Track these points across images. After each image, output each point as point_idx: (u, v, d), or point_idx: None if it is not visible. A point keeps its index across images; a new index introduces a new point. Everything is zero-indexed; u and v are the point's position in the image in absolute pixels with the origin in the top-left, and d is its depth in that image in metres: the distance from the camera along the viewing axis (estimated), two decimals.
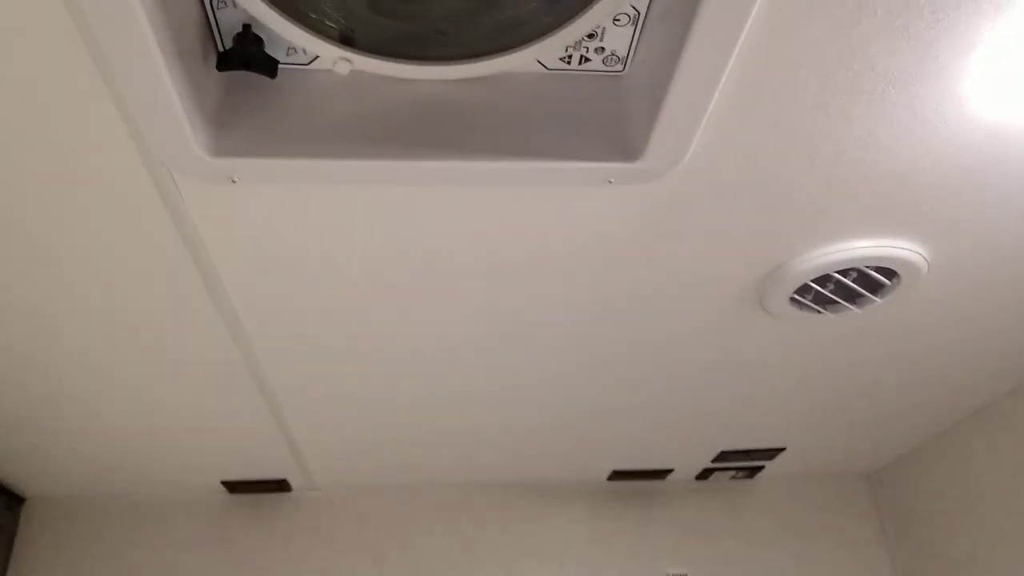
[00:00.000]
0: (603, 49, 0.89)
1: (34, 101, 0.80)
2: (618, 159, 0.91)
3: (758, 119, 0.87)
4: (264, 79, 0.88)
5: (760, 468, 2.09)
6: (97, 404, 1.48)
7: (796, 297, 1.19)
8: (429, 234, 1.04)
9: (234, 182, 0.89)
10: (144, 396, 1.46)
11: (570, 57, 0.90)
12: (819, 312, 1.23)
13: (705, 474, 2.11)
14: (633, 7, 0.83)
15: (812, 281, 1.15)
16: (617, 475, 2.10)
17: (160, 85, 0.77)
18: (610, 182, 0.93)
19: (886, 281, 1.16)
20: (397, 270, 1.12)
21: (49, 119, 0.83)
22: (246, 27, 0.83)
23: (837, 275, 1.14)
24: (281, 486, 2.02)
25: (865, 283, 1.16)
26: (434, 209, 1.00)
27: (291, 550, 2.03)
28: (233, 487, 2.01)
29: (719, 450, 1.93)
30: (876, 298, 1.19)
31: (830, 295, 1.19)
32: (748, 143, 0.91)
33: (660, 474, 2.10)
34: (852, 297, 1.20)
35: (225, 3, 0.80)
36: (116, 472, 1.85)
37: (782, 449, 1.94)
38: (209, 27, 0.83)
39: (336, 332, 1.28)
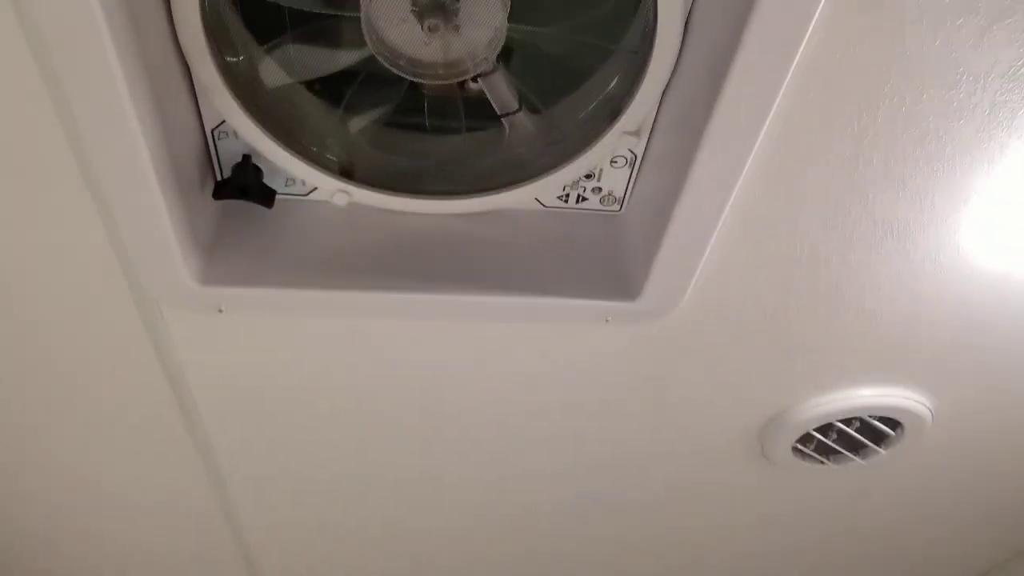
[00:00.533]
0: (600, 189, 0.89)
1: (24, 225, 0.79)
2: (616, 298, 0.89)
3: (757, 264, 0.86)
4: (260, 207, 0.87)
5: None
6: (60, 541, 1.40)
7: (798, 446, 1.15)
8: (420, 368, 1.01)
9: (221, 312, 0.87)
10: (108, 519, 1.38)
11: (567, 196, 0.90)
12: (822, 463, 1.18)
13: None
14: (630, 151, 0.84)
15: (814, 430, 1.12)
16: None
17: (155, 215, 0.75)
18: (607, 321, 0.91)
19: (890, 431, 1.12)
20: (384, 405, 1.08)
21: (37, 241, 0.81)
22: (246, 157, 0.83)
23: (840, 424, 1.11)
24: None
25: (869, 433, 1.13)
26: (426, 343, 0.97)
27: None
28: None
29: None
30: (880, 448, 1.15)
31: (833, 445, 1.14)
32: (748, 287, 0.89)
33: None
34: (856, 447, 1.16)
35: (226, 134, 0.81)
36: None
37: None
38: (208, 156, 0.83)
39: (319, 467, 1.23)
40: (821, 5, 0.58)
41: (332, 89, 0.85)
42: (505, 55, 0.77)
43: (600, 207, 0.91)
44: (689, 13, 0.70)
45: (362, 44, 0.73)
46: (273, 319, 0.92)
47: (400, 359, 0.99)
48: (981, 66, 0.63)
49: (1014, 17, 0.59)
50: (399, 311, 0.89)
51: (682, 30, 0.71)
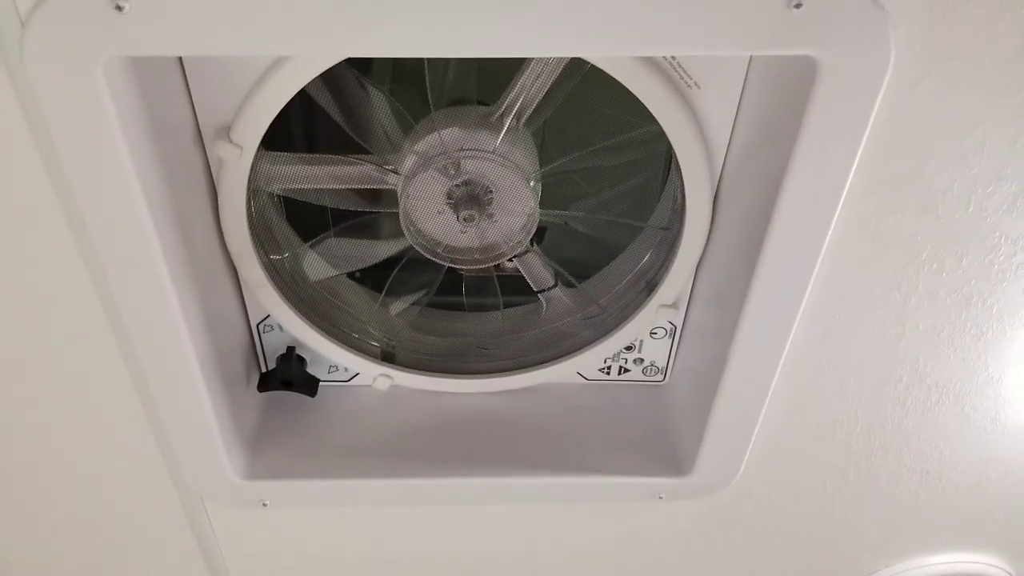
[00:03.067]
0: (642, 360, 0.87)
1: (73, 423, 0.79)
2: (668, 473, 0.84)
3: (810, 433, 0.82)
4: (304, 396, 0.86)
5: None
6: None
7: None
8: (465, 552, 0.96)
9: (265, 505, 0.84)
10: None
11: (609, 368, 0.88)
12: None
13: None
14: (670, 322, 0.82)
15: None
16: None
17: (200, 412, 0.74)
18: (661, 497, 0.86)
19: None
20: None
21: (88, 442, 0.81)
22: (290, 349, 0.83)
23: None
24: None
25: None
26: (471, 526, 0.92)
27: None
28: None
29: None
30: None
31: None
32: (802, 456, 0.84)
33: None
34: None
35: (271, 327, 0.81)
36: None
37: None
38: (254, 349, 0.83)
39: None
40: (849, 182, 0.58)
41: (373, 276, 0.86)
42: (538, 233, 0.78)
43: (643, 378, 0.89)
44: (717, 189, 0.70)
45: (401, 235, 0.74)
46: (316, 509, 0.89)
47: (447, 546, 0.94)
48: (1018, 228, 0.61)
49: None
50: (444, 497, 0.85)
51: (711, 205, 0.71)
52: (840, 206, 0.59)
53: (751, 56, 0.60)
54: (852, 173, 0.57)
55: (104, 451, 0.81)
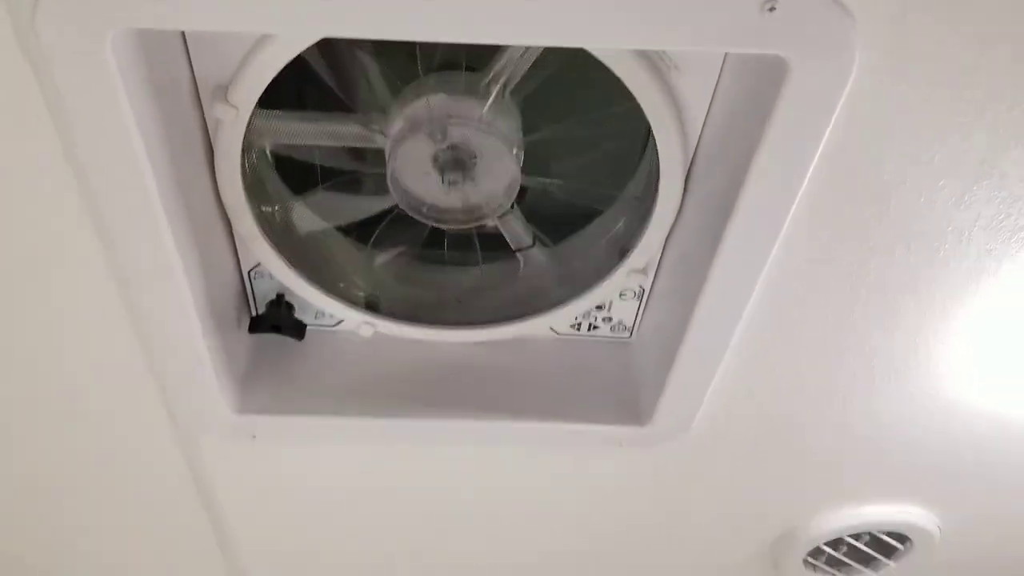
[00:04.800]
0: (611, 319, 0.90)
1: (72, 358, 0.81)
2: (628, 423, 0.89)
3: (764, 392, 0.86)
4: (292, 340, 0.89)
5: None
6: None
7: (809, 560, 1.12)
8: (445, 486, 1.01)
9: (255, 438, 0.88)
10: None
11: (580, 324, 0.91)
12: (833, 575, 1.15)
13: None
14: (639, 286, 0.85)
15: (825, 544, 1.09)
16: None
17: (195, 350, 0.77)
18: (620, 445, 0.91)
19: (899, 546, 1.09)
20: (410, 519, 1.07)
21: (86, 378, 0.83)
22: (279, 295, 0.85)
23: (849, 539, 1.08)
24: None
25: (878, 547, 1.10)
26: (450, 464, 0.97)
27: None
28: None
29: None
30: (889, 562, 1.12)
31: (843, 558, 1.12)
32: (756, 412, 0.89)
33: None
34: (866, 560, 1.13)
35: (261, 274, 0.83)
36: None
37: None
38: (245, 294, 0.85)
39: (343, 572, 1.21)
40: (813, 166, 0.60)
41: (359, 229, 0.88)
42: (519, 195, 0.80)
43: (611, 335, 0.92)
44: (690, 165, 0.72)
45: (387, 192, 0.76)
46: (301, 443, 0.92)
47: (420, 483, 0.99)
48: (965, 220, 0.64)
49: (991, 179, 0.61)
50: (420, 437, 0.90)
51: (683, 181, 0.73)
52: (800, 193, 0.62)
53: None
54: (814, 163, 0.59)
55: (103, 387, 0.84)
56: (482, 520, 1.07)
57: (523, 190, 0.80)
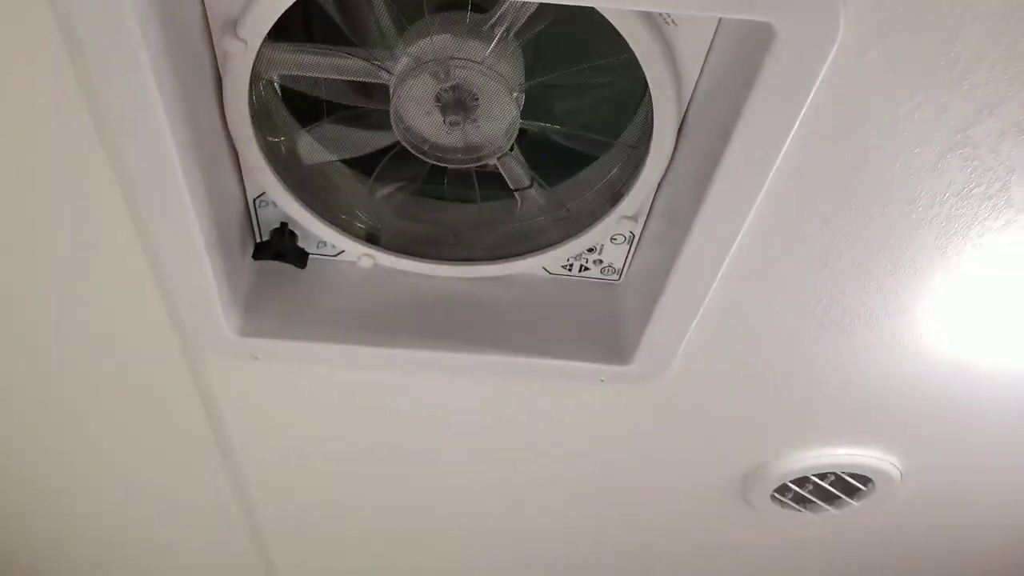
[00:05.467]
0: (601, 261, 0.94)
1: (85, 279, 0.85)
2: (610, 361, 0.93)
3: (740, 337, 0.90)
4: (294, 267, 0.93)
5: None
6: (105, 538, 1.46)
7: (776, 495, 1.19)
8: (434, 414, 1.06)
9: (257, 359, 0.92)
10: (144, 531, 1.44)
11: (571, 265, 0.95)
12: (798, 511, 1.21)
13: None
14: (630, 231, 0.89)
15: (791, 482, 1.15)
16: None
17: (200, 273, 0.81)
18: (602, 381, 0.96)
19: (861, 487, 1.15)
20: (403, 443, 1.13)
21: (96, 295, 0.87)
22: (283, 224, 0.88)
23: (815, 478, 1.14)
24: None
25: (842, 487, 1.16)
26: (440, 393, 1.02)
27: None
28: None
29: None
30: (852, 501, 1.18)
31: (808, 496, 1.18)
32: (731, 356, 0.93)
33: None
34: (830, 498, 1.19)
35: (266, 203, 0.86)
36: None
37: None
38: (250, 222, 0.88)
39: (338, 488, 1.28)
40: (796, 127, 0.63)
41: (362, 162, 0.90)
42: (519, 136, 0.82)
43: (600, 276, 0.96)
44: (683, 119, 0.75)
45: (391, 128, 0.79)
46: (300, 366, 0.97)
47: (412, 409, 1.04)
48: (938, 185, 0.67)
49: (965, 148, 0.63)
50: (412, 366, 0.94)
51: (676, 133, 0.75)
52: (782, 152, 0.64)
53: None
54: (797, 124, 0.62)
55: (112, 311, 0.88)
56: (468, 448, 1.12)
57: (522, 132, 0.83)
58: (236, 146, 0.78)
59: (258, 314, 0.90)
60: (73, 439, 1.13)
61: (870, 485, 1.15)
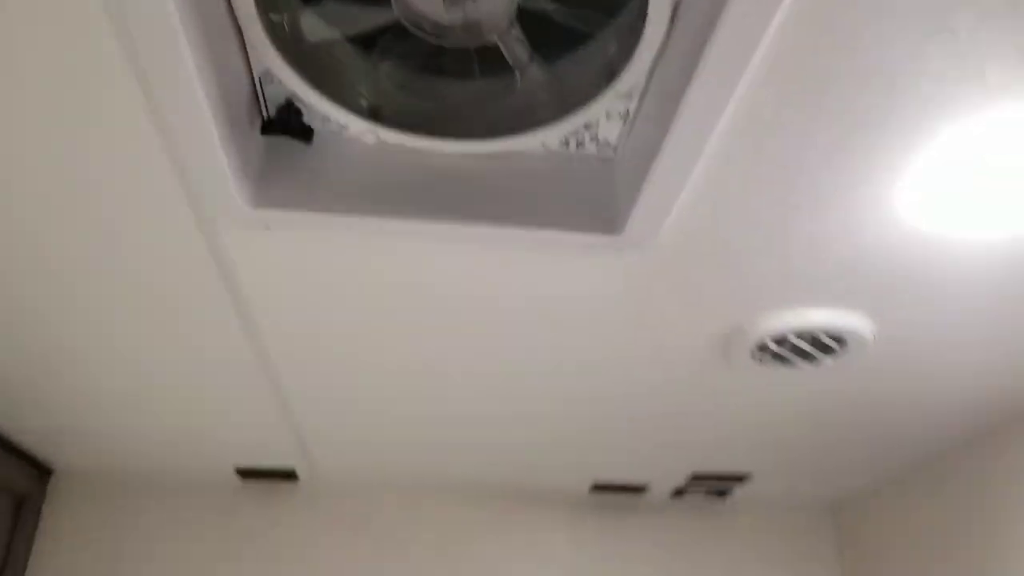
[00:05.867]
0: (597, 137, 0.97)
1: (100, 158, 0.88)
2: (603, 232, 0.99)
3: (727, 207, 0.94)
4: (300, 144, 0.96)
5: (729, 492, 2.16)
6: (128, 391, 1.56)
7: (756, 353, 1.27)
8: (437, 282, 1.12)
9: (268, 229, 0.98)
10: (170, 390, 1.54)
11: (568, 141, 0.98)
12: (775, 367, 1.30)
13: (679, 493, 2.19)
14: (625, 108, 0.91)
15: (771, 341, 1.23)
16: (598, 488, 2.18)
17: (211, 146, 0.84)
18: (594, 250, 1.01)
19: (836, 346, 1.23)
20: (407, 308, 1.20)
21: (113, 171, 0.91)
22: (289, 101, 0.91)
23: (793, 338, 1.22)
24: (289, 476, 2.11)
25: (818, 346, 1.24)
26: (442, 262, 1.07)
27: (295, 537, 2.10)
28: (245, 474, 2.09)
29: (692, 472, 2.00)
30: (827, 359, 1.27)
31: (786, 354, 1.26)
32: (715, 228, 0.98)
33: (638, 490, 2.18)
34: (806, 357, 1.27)
35: (272, 80, 0.89)
36: (140, 452, 1.93)
37: (748, 476, 2.01)
38: (256, 98, 0.91)
39: (350, 352, 1.36)
40: (779, 12, 0.65)
41: (365, 40, 0.91)
42: (520, 14, 0.83)
43: (596, 152, 0.99)
44: (676, 3, 0.76)
45: (391, 5, 0.80)
46: (310, 236, 1.02)
47: (416, 279, 1.10)
48: (916, 69, 0.70)
49: (943, 33, 0.65)
50: (418, 236, 0.99)
51: (670, 14, 0.77)
52: (771, 31, 0.67)
53: None
54: (780, 9, 0.64)
55: (129, 189, 0.92)
56: (468, 308, 1.19)
57: (522, 11, 0.84)
58: (240, 24, 0.79)
59: (269, 186, 0.94)
60: (101, 298, 1.19)
61: (844, 346, 1.23)
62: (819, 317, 1.17)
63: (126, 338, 1.31)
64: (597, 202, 1.00)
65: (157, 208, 0.97)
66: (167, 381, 1.48)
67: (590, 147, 0.98)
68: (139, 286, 1.15)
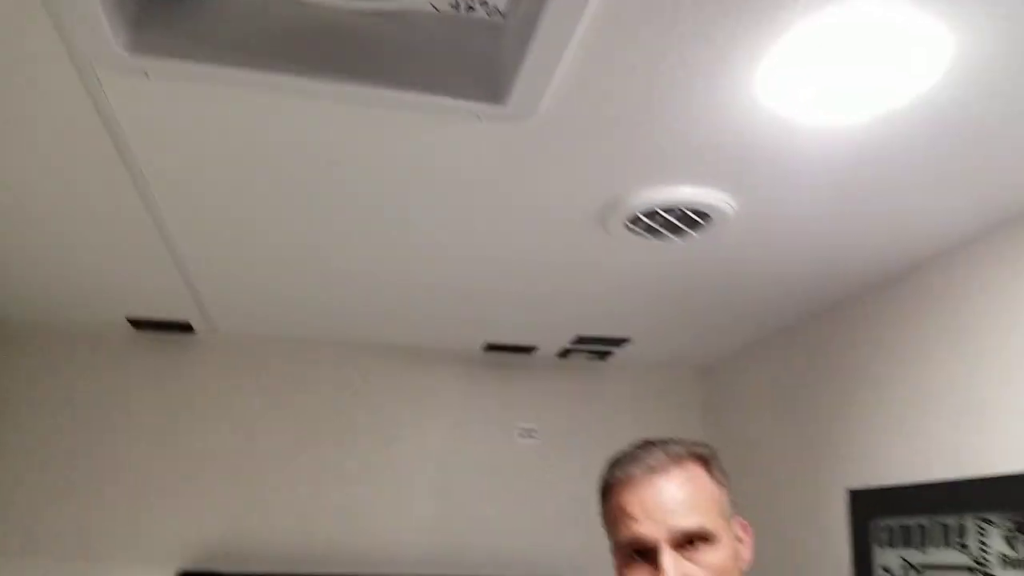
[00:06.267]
0: (487, 2, 0.98)
1: None
2: (488, 100, 1.02)
3: (600, 85, 0.99)
4: None
5: (610, 354, 2.32)
6: (16, 234, 1.53)
7: (629, 225, 1.35)
8: (320, 141, 1.14)
9: (147, 76, 0.96)
10: (55, 236, 1.52)
11: (458, 4, 0.99)
12: (648, 238, 1.40)
13: (565, 354, 2.34)
14: None
15: (642, 214, 1.31)
16: (490, 348, 2.30)
17: None
18: (479, 118, 1.05)
19: (701, 221, 1.33)
20: (290, 167, 1.21)
21: None
22: None
23: (662, 212, 1.31)
24: (184, 328, 2.12)
25: (685, 220, 1.33)
26: (326, 121, 1.08)
27: (188, 388, 2.15)
28: (138, 324, 2.10)
29: (577, 335, 2.14)
30: (693, 233, 1.37)
31: (656, 227, 1.35)
32: (593, 103, 1.03)
33: (527, 350, 2.31)
34: (675, 230, 1.37)
35: None
36: (25, 299, 1.91)
37: (628, 340, 2.17)
38: None
39: (238, 209, 1.37)
40: None
41: None
42: None
43: (486, 17, 1.00)
44: None
45: None
46: (191, 86, 1.01)
47: (298, 136, 1.11)
48: None
49: None
50: (300, 93, 1.00)
51: None
52: None
53: None
54: None
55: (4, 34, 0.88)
56: (351, 169, 1.22)
57: None
58: None
59: (147, 32, 0.92)
60: None
61: (708, 220, 1.33)
62: (684, 193, 1.25)
63: (11, 185, 1.28)
64: (484, 70, 1.02)
65: (33, 51, 0.94)
66: (54, 227, 1.46)
67: (480, 12, 0.99)
68: (21, 127, 1.11)
